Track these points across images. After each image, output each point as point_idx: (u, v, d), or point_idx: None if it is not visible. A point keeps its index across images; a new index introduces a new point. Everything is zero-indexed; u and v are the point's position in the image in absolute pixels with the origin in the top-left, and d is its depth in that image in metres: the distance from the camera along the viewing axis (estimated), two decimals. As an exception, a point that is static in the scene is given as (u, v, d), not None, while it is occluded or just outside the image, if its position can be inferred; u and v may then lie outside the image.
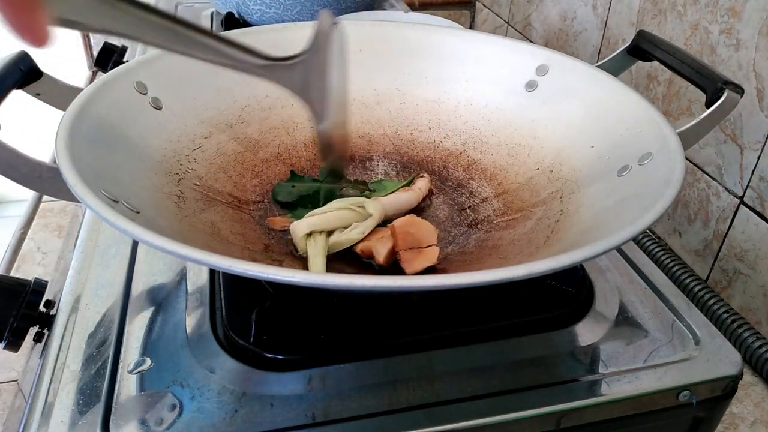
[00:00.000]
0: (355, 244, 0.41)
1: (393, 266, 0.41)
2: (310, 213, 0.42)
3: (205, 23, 0.98)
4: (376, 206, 0.42)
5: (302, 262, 0.41)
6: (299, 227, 0.41)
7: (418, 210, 0.47)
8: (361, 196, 0.46)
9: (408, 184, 0.48)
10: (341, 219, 0.42)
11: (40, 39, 0.21)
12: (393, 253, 0.40)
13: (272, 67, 0.34)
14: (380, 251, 0.40)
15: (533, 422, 0.35)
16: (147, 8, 0.27)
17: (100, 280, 0.43)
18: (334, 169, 0.41)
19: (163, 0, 1.10)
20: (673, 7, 0.64)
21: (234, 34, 0.52)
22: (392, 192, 0.47)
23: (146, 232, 0.28)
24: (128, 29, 0.27)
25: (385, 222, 0.43)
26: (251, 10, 0.86)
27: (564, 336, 0.40)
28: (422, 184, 0.48)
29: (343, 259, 0.41)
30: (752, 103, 0.55)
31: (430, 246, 0.41)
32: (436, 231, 0.42)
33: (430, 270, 0.40)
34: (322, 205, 0.44)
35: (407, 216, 0.43)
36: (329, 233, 0.41)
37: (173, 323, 0.39)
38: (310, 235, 0.41)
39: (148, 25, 0.27)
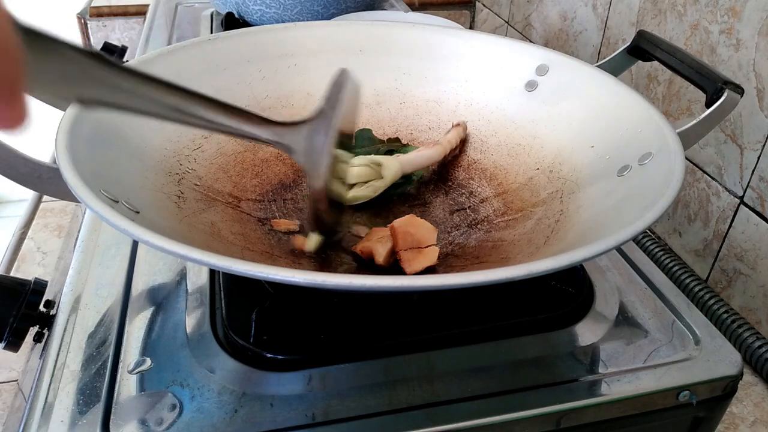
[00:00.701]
0: (355, 244, 0.41)
1: (393, 266, 0.41)
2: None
3: (205, 23, 0.98)
4: (390, 165, 0.44)
5: (302, 263, 0.41)
6: None
7: (418, 210, 0.47)
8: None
9: None
10: (359, 175, 0.44)
11: (17, 122, 0.19)
12: (393, 254, 0.40)
13: (275, 131, 0.34)
14: (380, 252, 0.40)
15: (533, 422, 0.35)
16: (125, 72, 0.27)
17: (100, 280, 0.43)
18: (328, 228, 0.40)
19: (164, 0, 1.10)
20: (673, 7, 0.64)
21: (234, 34, 0.52)
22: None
23: (146, 232, 0.28)
24: (107, 97, 0.27)
25: (385, 222, 0.43)
26: (251, 10, 0.86)
27: (564, 336, 0.40)
28: (453, 136, 0.48)
29: (343, 260, 0.41)
30: (752, 103, 0.55)
31: (430, 246, 0.41)
32: (436, 231, 0.42)
33: (430, 270, 0.40)
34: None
35: (407, 216, 0.43)
36: (349, 187, 0.44)
37: (173, 323, 0.39)
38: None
39: (126, 92, 0.27)
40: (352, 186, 0.45)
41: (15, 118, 0.19)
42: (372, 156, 0.46)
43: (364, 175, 0.45)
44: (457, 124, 0.51)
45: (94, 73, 0.26)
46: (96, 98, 0.27)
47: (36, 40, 0.23)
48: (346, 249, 0.42)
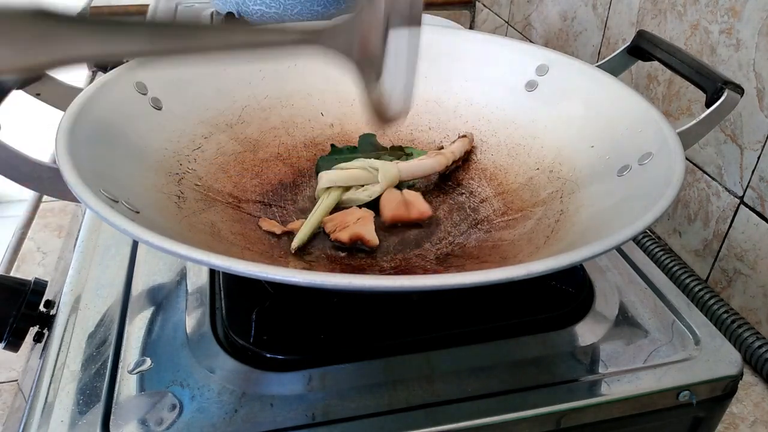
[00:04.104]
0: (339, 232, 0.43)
1: (395, 268, 0.40)
2: (337, 166, 0.46)
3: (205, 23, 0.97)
4: (386, 172, 0.45)
5: (302, 262, 0.41)
6: (323, 179, 0.45)
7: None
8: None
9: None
10: (357, 178, 0.45)
11: None
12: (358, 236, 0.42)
13: (308, 38, 0.29)
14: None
15: (533, 422, 0.35)
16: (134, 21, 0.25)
17: (100, 280, 0.43)
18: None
19: (164, 0, 1.10)
20: (673, 7, 0.64)
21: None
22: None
23: (146, 232, 0.28)
24: (133, 48, 0.24)
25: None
26: (251, 10, 0.86)
27: (564, 336, 0.40)
28: (457, 147, 0.49)
29: (338, 254, 0.41)
30: (752, 103, 0.55)
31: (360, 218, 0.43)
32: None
33: (431, 270, 0.40)
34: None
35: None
36: (346, 189, 0.45)
37: (173, 323, 0.39)
38: (329, 188, 0.44)
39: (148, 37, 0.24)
40: (347, 189, 0.45)
41: None
42: (371, 160, 0.46)
43: (360, 179, 0.45)
44: (464, 135, 0.51)
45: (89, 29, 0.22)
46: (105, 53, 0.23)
47: None
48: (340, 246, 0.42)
